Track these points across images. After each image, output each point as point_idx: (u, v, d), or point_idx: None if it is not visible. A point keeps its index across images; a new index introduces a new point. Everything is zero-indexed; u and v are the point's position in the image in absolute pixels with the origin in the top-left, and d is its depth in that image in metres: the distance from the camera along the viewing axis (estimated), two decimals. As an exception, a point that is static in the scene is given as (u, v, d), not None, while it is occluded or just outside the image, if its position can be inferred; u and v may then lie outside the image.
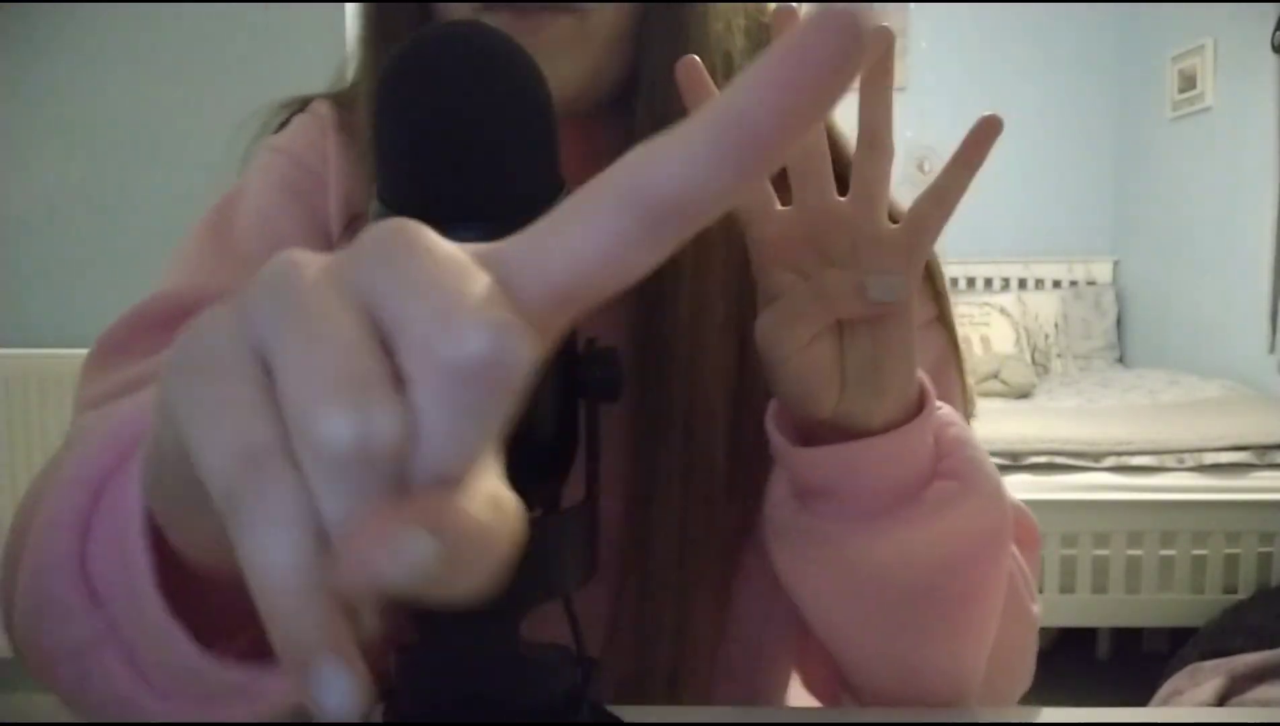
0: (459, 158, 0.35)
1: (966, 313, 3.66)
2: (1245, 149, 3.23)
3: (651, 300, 0.58)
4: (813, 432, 0.51)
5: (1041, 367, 3.75)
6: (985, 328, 3.64)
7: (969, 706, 0.57)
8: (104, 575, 0.35)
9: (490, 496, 0.22)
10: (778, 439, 0.51)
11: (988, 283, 4.10)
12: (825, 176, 0.48)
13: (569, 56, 0.55)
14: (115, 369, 0.58)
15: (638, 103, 0.58)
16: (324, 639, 0.20)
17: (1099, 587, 2.46)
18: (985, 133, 0.49)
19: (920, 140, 4.07)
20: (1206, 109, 3.48)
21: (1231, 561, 2.44)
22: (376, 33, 0.61)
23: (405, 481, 0.20)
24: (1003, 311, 3.72)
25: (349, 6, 2.21)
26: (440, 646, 0.40)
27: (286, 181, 0.64)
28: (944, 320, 0.64)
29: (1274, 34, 3.02)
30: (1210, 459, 2.48)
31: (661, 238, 0.22)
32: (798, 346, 0.48)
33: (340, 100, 0.68)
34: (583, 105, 0.59)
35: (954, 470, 0.50)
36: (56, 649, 0.36)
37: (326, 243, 0.62)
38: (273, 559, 0.20)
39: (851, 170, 0.48)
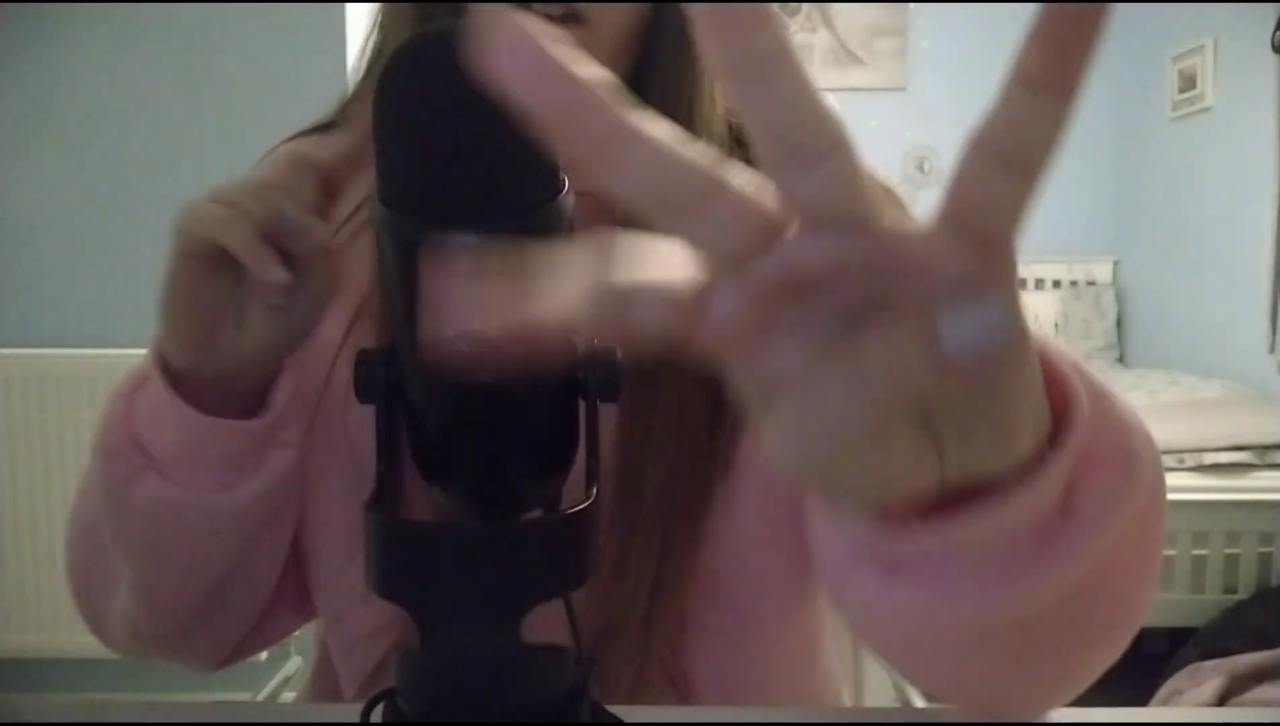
0: (459, 158, 0.35)
1: (966, 313, 3.66)
2: (1245, 149, 3.23)
3: None
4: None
5: (1041, 367, 3.75)
6: (985, 328, 3.63)
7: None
8: (141, 426, 0.54)
9: None
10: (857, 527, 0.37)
11: (988, 282, 4.09)
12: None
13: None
14: None
15: (648, 104, 0.59)
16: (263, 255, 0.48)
17: (1099, 587, 2.46)
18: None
19: (920, 140, 4.07)
20: (1206, 109, 3.48)
21: (1231, 561, 2.43)
22: (397, 34, 0.64)
23: None
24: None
25: (349, 6, 2.21)
26: (440, 646, 0.40)
27: None
28: None
29: (1274, 34, 3.02)
30: (1210, 459, 2.48)
31: None
32: (844, 464, 0.27)
33: (338, 121, 0.71)
34: None
35: (1108, 451, 0.37)
36: (116, 479, 0.54)
37: None
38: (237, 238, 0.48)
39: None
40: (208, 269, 0.50)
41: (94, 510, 0.59)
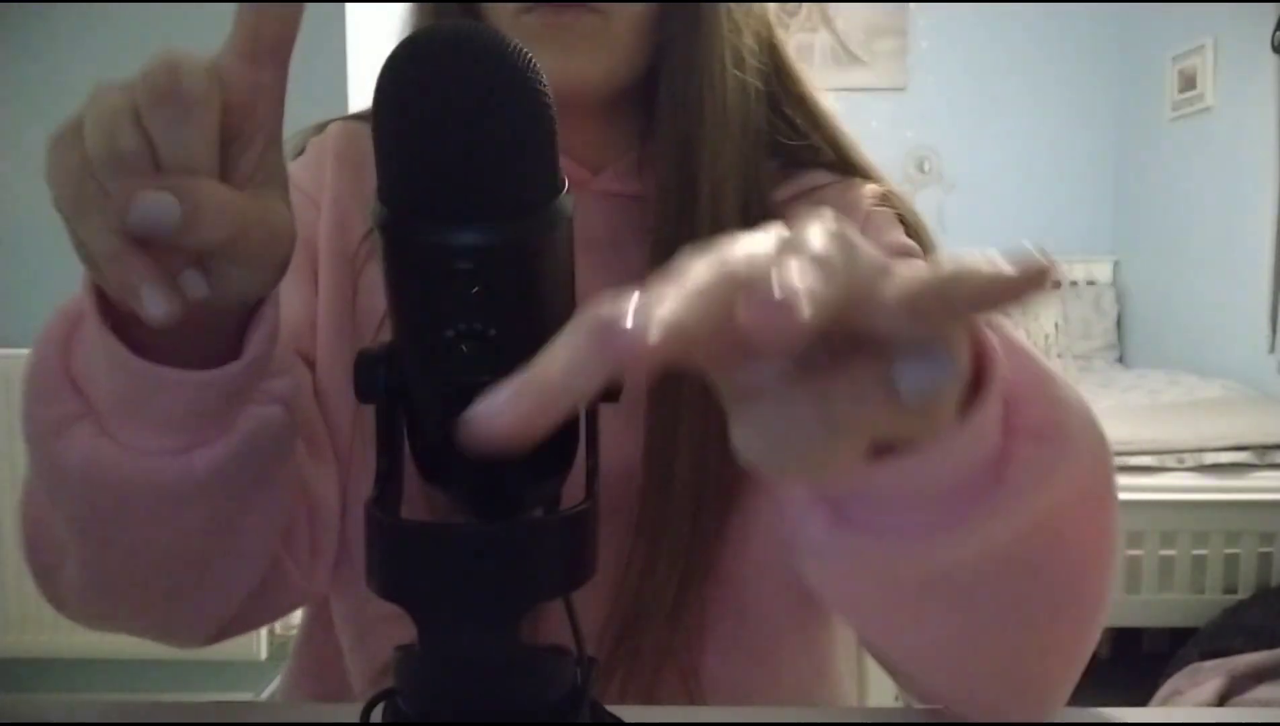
0: (459, 158, 0.35)
1: (966, 313, 3.66)
2: (1245, 149, 3.23)
3: None
4: None
5: (1041, 367, 3.74)
6: (985, 328, 3.63)
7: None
8: (80, 368, 0.45)
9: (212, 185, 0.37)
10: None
11: (988, 282, 4.09)
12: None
13: (593, 52, 0.61)
14: None
15: (660, 95, 0.63)
16: (141, 273, 0.36)
17: (1099, 587, 2.46)
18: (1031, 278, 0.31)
19: (920, 140, 4.07)
20: (1206, 109, 3.48)
21: (1231, 561, 2.43)
22: None
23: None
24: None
25: (349, 6, 2.21)
26: (440, 646, 0.40)
27: (300, 186, 0.67)
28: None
29: (1274, 34, 3.02)
30: (1210, 459, 2.48)
31: None
32: (806, 481, 0.38)
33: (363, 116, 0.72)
34: (603, 96, 0.64)
35: (1037, 425, 0.38)
36: (44, 425, 0.45)
37: (312, 260, 0.66)
38: (101, 246, 0.36)
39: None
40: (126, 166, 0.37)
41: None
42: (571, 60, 0.60)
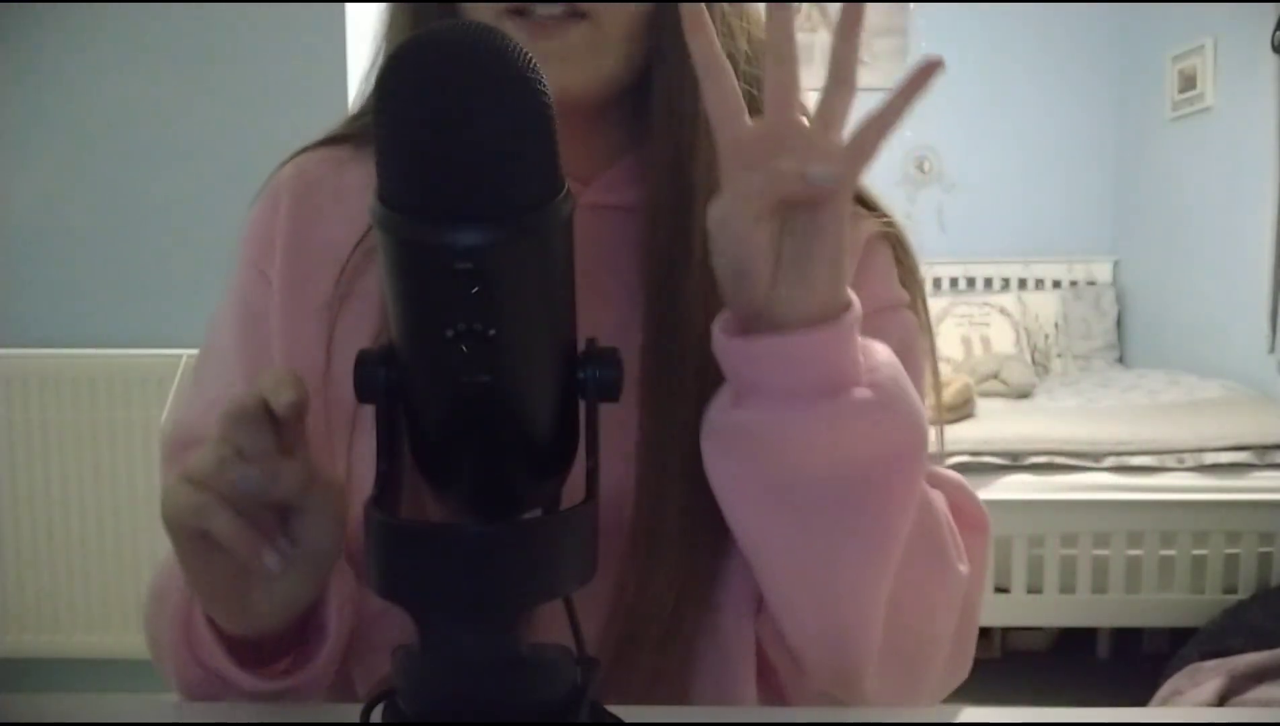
0: (459, 158, 0.35)
1: (966, 313, 3.66)
2: (1245, 149, 3.23)
3: (665, 301, 0.61)
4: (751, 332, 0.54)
5: (1041, 367, 3.75)
6: (985, 328, 3.63)
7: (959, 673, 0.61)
8: (200, 655, 0.58)
9: None
10: (718, 335, 0.53)
11: (988, 283, 4.09)
12: (794, 98, 0.53)
13: (584, 60, 0.60)
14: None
15: (653, 102, 0.63)
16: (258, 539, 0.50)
17: (1099, 587, 2.46)
18: (925, 71, 0.57)
19: (920, 140, 4.07)
20: (1206, 109, 3.48)
21: (1231, 561, 2.43)
22: (402, 33, 0.64)
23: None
24: (1003, 311, 3.72)
25: (349, 6, 2.21)
26: (440, 646, 0.40)
27: (248, 263, 0.70)
28: (915, 308, 0.69)
29: (1274, 34, 3.02)
30: (1210, 459, 2.48)
31: None
32: (745, 223, 0.51)
33: (338, 137, 0.72)
34: (594, 103, 0.63)
35: (875, 384, 0.53)
36: (181, 677, 0.59)
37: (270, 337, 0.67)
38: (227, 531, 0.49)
39: (818, 100, 0.54)
40: (209, 545, 0.50)
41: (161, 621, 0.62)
42: (560, 68, 0.59)
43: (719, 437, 0.54)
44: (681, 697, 0.63)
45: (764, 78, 0.53)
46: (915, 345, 0.68)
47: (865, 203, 0.69)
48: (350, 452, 0.63)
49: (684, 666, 0.62)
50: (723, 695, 0.64)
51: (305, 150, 0.72)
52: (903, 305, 0.68)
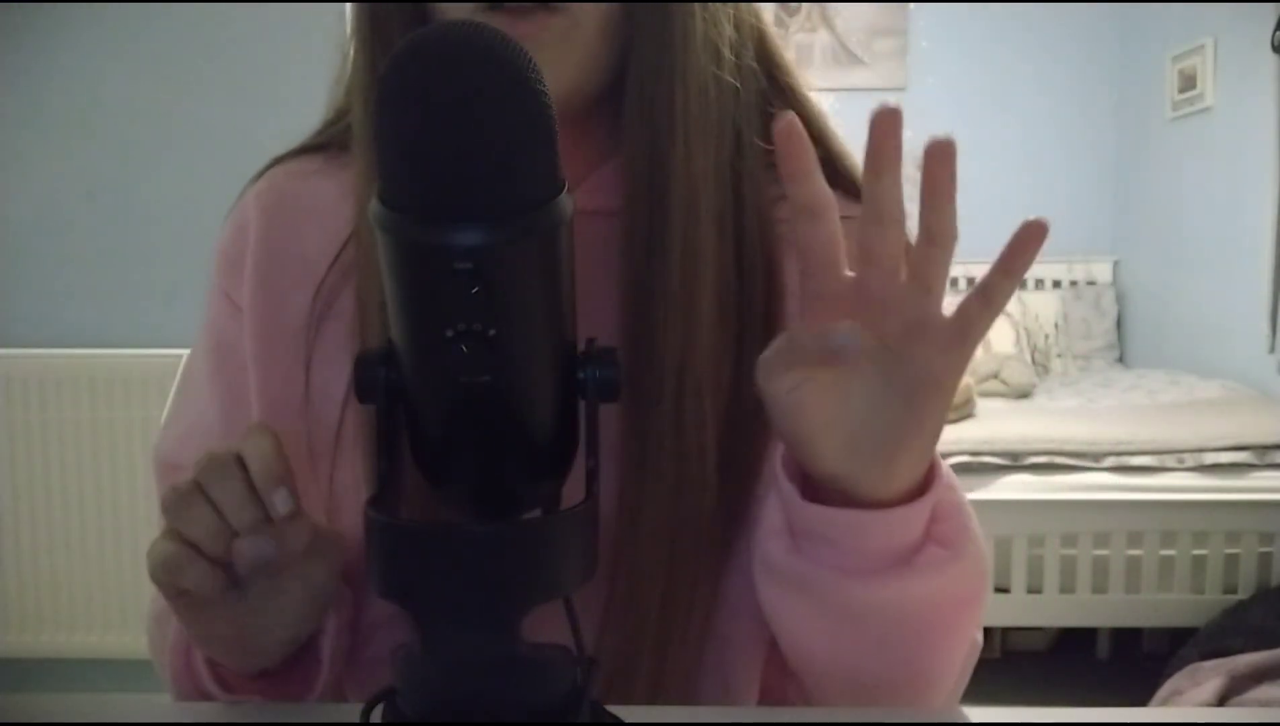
0: (459, 158, 0.35)
1: (966, 313, 3.65)
2: (1245, 149, 3.23)
3: (642, 303, 0.59)
4: (819, 484, 0.52)
5: (1041, 367, 3.75)
6: (985, 327, 3.63)
7: (955, 706, 0.61)
8: (201, 686, 0.58)
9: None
10: (785, 485, 0.52)
11: (988, 282, 4.09)
12: (896, 261, 0.48)
13: (560, 56, 0.57)
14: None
15: (626, 100, 0.59)
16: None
17: (1099, 587, 2.46)
18: (1028, 237, 0.49)
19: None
20: (1206, 109, 3.48)
21: (1231, 561, 2.43)
22: (372, 33, 0.62)
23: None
24: (1003, 311, 3.72)
25: (349, 6, 2.21)
26: (440, 646, 0.40)
27: (218, 291, 0.69)
28: None
29: (1274, 34, 3.02)
30: (1210, 459, 2.48)
31: None
32: (784, 383, 0.49)
33: (308, 147, 0.70)
34: (575, 104, 0.60)
35: (947, 537, 0.53)
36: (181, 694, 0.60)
37: (243, 367, 0.66)
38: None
39: (912, 260, 0.49)
40: (193, 600, 0.51)
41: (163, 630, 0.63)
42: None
43: (777, 577, 0.54)
44: (686, 698, 0.62)
45: (861, 233, 0.49)
46: None
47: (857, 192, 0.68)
48: (334, 473, 0.62)
49: (685, 667, 0.62)
50: (727, 692, 0.63)
51: (273, 165, 0.70)
52: None
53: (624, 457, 0.59)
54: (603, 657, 0.58)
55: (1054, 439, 2.53)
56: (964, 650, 0.58)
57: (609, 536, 0.59)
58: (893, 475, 0.50)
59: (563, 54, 0.57)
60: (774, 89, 0.64)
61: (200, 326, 0.70)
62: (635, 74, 0.59)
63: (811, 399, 0.49)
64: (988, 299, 0.48)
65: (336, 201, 0.65)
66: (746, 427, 0.59)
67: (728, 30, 0.60)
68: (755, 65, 0.62)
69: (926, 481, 0.52)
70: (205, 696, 0.58)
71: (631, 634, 0.59)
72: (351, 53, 0.65)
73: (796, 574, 0.53)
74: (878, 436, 0.49)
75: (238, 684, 0.58)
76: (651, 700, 0.59)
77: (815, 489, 0.53)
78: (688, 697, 0.62)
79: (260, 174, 0.70)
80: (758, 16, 0.63)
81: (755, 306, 0.61)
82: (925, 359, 0.48)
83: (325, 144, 0.69)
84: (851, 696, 0.58)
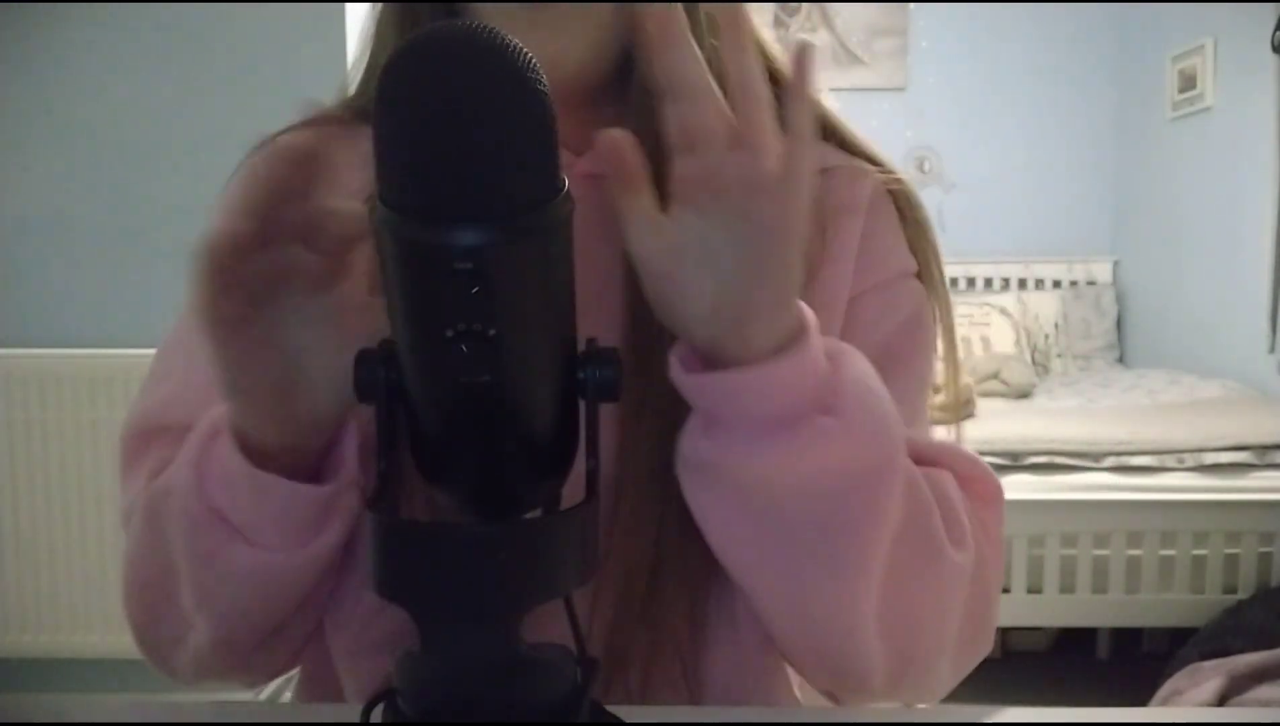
0: (459, 158, 0.35)
1: (966, 312, 3.66)
2: (1245, 149, 3.23)
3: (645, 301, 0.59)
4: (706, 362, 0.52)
5: (1041, 367, 3.75)
6: (985, 328, 3.63)
7: (934, 684, 0.61)
8: (218, 499, 0.54)
9: None
10: (674, 367, 0.52)
11: (988, 283, 4.09)
12: (717, 131, 0.48)
13: (577, 34, 0.61)
14: (143, 464, 0.66)
15: (632, 82, 0.62)
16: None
17: (1099, 587, 2.46)
18: (798, 58, 0.48)
19: (920, 140, 4.07)
20: (1206, 109, 3.48)
21: (1231, 561, 2.43)
22: (398, 33, 0.63)
23: None
24: (1003, 311, 3.72)
25: (349, 6, 2.21)
26: (440, 647, 0.40)
27: None
28: (927, 269, 0.67)
29: (1274, 34, 3.02)
30: (1210, 459, 2.48)
31: None
32: (650, 236, 0.49)
33: (327, 117, 0.69)
34: (584, 84, 0.63)
35: (838, 408, 0.51)
36: (199, 552, 0.55)
37: None
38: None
39: (738, 125, 0.48)
40: (253, 340, 0.48)
41: (150, 569, 0.60)
42: (556, 42, 0.60)
43: (689, 468, 0.54)
44: (696, 691, 0.62)
45: (675, 115, 0.49)
46: (925, 317, 0.66)
47: (865, 156, 0.68)
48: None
49: (694, 655, 0.62)
50: (746, 688, 0.63)
51: (285, 131, 0.68)
52: (911, 273, 0.67)
53: (622, 412, 0.59)
54: (594, 634, 0.59)
55: (1054, 439, 2.53)
56: (883, 536, 0.55)
57: (605, 518, 0.59)
58: (749, 335, 0.50)
59: (580, 32, 0.61)
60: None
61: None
62: (639, 54, 0.61)
63: (674, 264, 0.49)
64: (791, 132, 0.48)
65: (350, 166, 0.65)
66: None
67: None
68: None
69: (795, 345, 0.50)
70: (213, 511, 0.54)
71: (622, 622, 0.59)
72: (369, 50, 0.67)
73: (702, 458, 0.52)
74: (730, 295, 0.49)
75: (267, 454, 0.54)
76: (647, 672, 0.60)
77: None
78: (696, 691, 0.62)
79: (268, 139, 0.69)
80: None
81: None
82: (758, 209, 0.48)
83: (342, 116, 0.69)
84: (800, 621, 0.56)
